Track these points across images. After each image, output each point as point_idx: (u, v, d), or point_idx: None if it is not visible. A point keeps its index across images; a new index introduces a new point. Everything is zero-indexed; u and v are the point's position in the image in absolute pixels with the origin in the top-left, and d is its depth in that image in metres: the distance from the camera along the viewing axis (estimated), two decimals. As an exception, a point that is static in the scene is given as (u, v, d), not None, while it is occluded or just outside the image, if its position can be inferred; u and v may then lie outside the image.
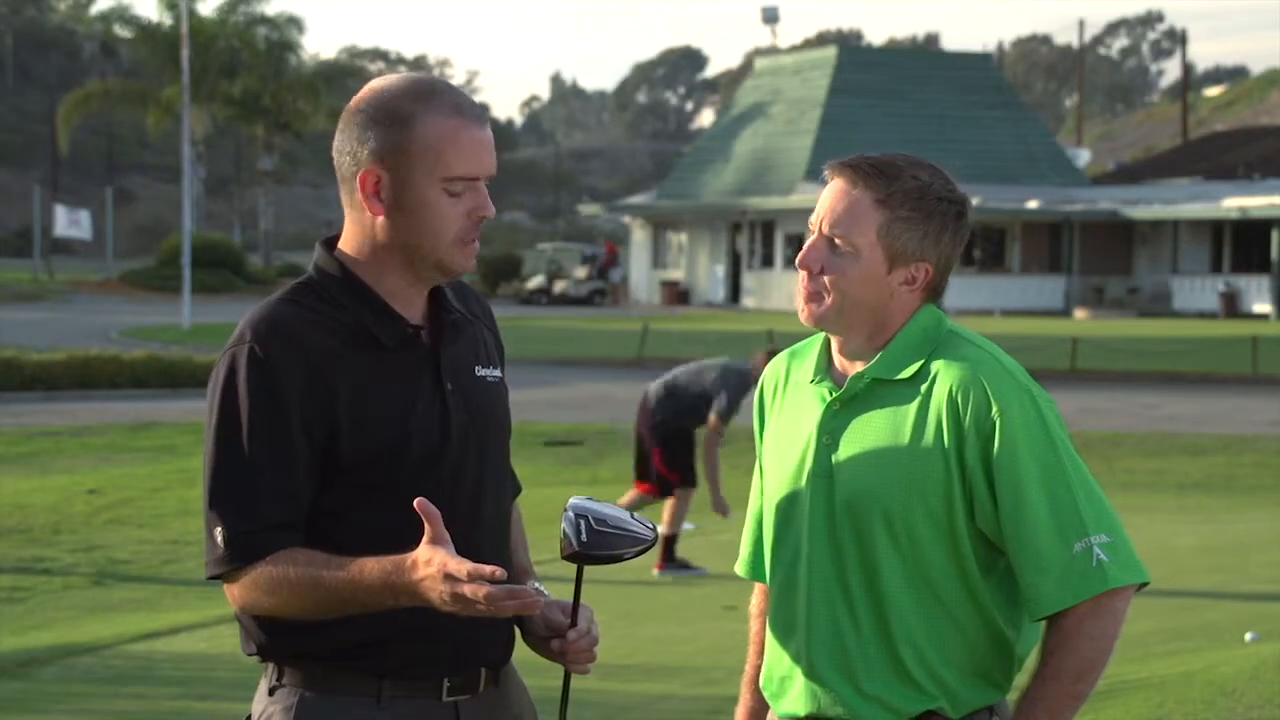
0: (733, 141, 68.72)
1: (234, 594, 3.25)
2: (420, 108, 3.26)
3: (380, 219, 3.29)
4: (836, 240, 3.35)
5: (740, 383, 12.32)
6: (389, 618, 3.22)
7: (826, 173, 3.41)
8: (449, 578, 3.04)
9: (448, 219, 3.27)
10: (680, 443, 12.52)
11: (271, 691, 3.33)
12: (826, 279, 3.35)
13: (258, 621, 3.29)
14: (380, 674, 3.27)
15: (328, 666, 3.28)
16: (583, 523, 3.26)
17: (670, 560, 12.46)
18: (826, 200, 3.38)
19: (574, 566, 3.31)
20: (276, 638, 3.28)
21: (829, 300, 3.36)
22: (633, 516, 3.33)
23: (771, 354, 12.35)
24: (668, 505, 12.60)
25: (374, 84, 3.34)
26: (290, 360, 3.23)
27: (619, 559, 3.29)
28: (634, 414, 13.03)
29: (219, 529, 3.22)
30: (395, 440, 3.25)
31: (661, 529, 12.52)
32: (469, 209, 3.28)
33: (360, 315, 3.30)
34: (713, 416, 12.23)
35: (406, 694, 3.29)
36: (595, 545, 3.26)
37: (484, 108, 3.35)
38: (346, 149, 3.30)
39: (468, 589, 3.03)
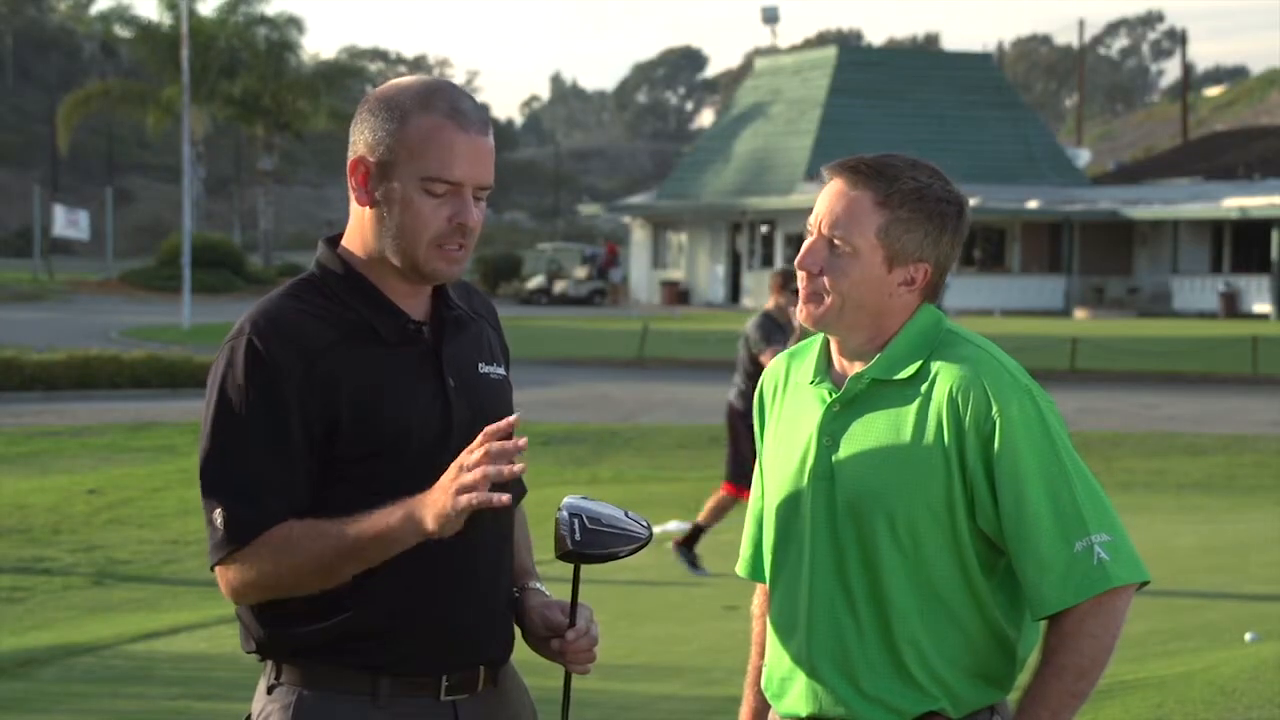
0: (733, 141, 68.72)
1: (232, 578, 3.23)
2: (417, 106, 3.27)
3: (367, 211, 3.31)
4: (836, 241, 3.35)
5: (762, 321, 12.34)
6: (387, 608, 3.23)
7: (825, 173, 3.41)
8: (458, 467, 3.10)
9: (425, 219, 3.26)
10: None
11: (270, 690, 3.33)
12: (826, 280, 3.35)
13: (257, 616, 3.29)
14: (377, 670, 3.27)
15: (326, 665, 3.27)
16: (577, 522, 3.27)
17: (689, 547, 12.50)
18: (825, 201, 3.37)
19: (575, 567, 3.31)
20: (276, 631, 3.28)
21: (828, 301, 3.36)
22: (627, 515, 3.33)
23: (783, 274, 12.38)
24: (714, 497, 12.64)
25: (391, 81, 3.37)
26: (288, 354, 3.23)
27: (614, 557, 3.29)
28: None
29: (219, 511, 3.21)
30: (396, 435, 3.25)
31: (700, 518, 12.59)
32: (450, 214, 3.27)
33: (361, 311, 3.30)
34: (762, 359, 12.19)
35: (404, 693, 3.28)
36: (589, 544, 3.26)
37: (486, 111, 3.34)
38: (350, 138, 3.34)
39: (474, 457, 3.08)
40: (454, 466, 3.11)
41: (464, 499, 3.07)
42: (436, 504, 3.11)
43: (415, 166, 3.25)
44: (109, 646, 10.03)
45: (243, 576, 3.22)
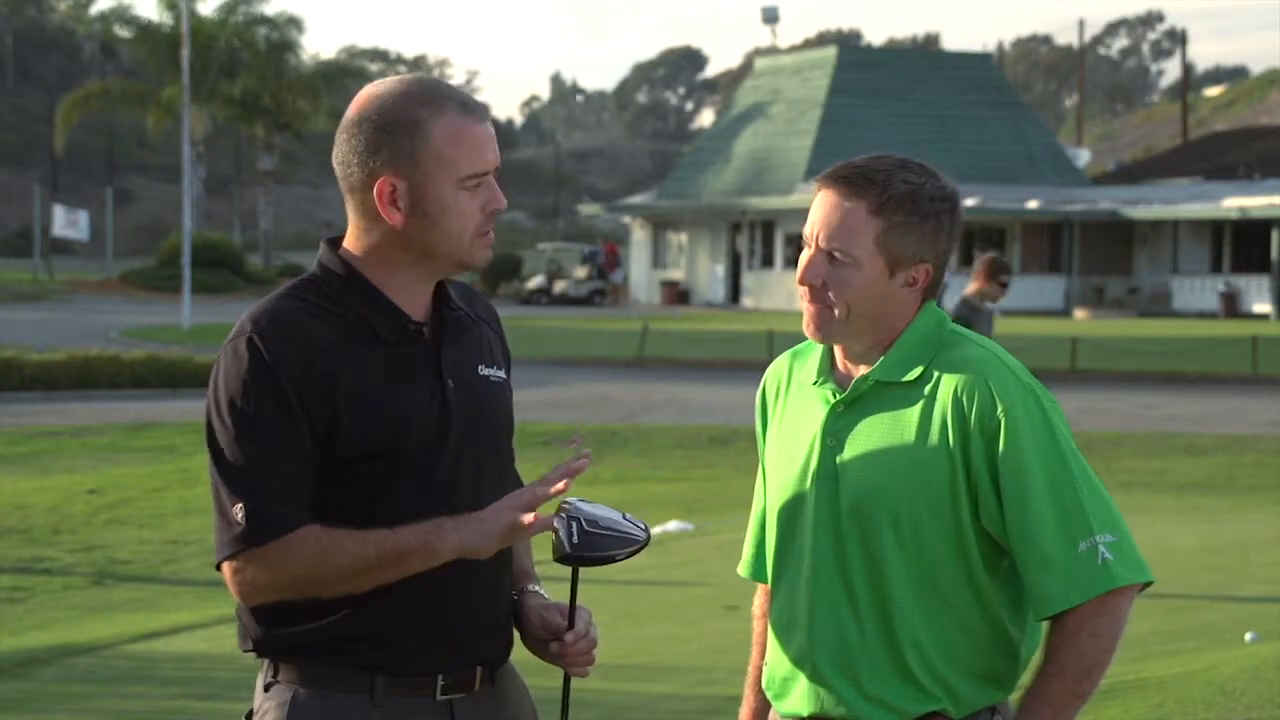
0: (733, 141, 68.72)
1: (250, 576, 3.22)
2: (428, 112, 3.26)
3: (400, 224, 3.29)
4: (835, 254, 3.34)
5: (959, 307, 12.29)
6: (386, 609, 3.23)
7: (815, 185, 3.39)
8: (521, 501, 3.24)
9: (467, 217, 3.30)
10: None
11: (267, 688, 3.33)
12: (830, 293, 3.34)
13: (255, 615, 3.29)
14: (374, 670, 3.27)
15: (322, 664, 3.27)
16: (574, 525, 3.27)
17: None
18: (819, 214, 3.36)
19: (573, 570, 3.31)
20: (273, 629, 3.28)
21: (834, 314, 3.34)
22: (624, 517, 3.33)
23: (993, 262, 12.40)
24: None
25: (372, 91, 3.32)
26: (289, 352, 3.23)
27: (611, 560, 3.29)
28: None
29: (239, 507, 3.20)
30: (394, 434, 3.25)
31: None
32: (483, 203, 3.31)
33: (361, 310, 3.30)
34: None
35: (400, 692, 3.28)
36: (586, 547, 3.27)
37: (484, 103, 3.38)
38: (354, 160, 3.29)
39: (540, 489, 3.23)
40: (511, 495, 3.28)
41: (528, 517, 3.20)
42: (487, 519, 3.22)
43: (449, 171, 3.27)
44: (109, 646, 10.03)
45: (262, 576, 3.21)
